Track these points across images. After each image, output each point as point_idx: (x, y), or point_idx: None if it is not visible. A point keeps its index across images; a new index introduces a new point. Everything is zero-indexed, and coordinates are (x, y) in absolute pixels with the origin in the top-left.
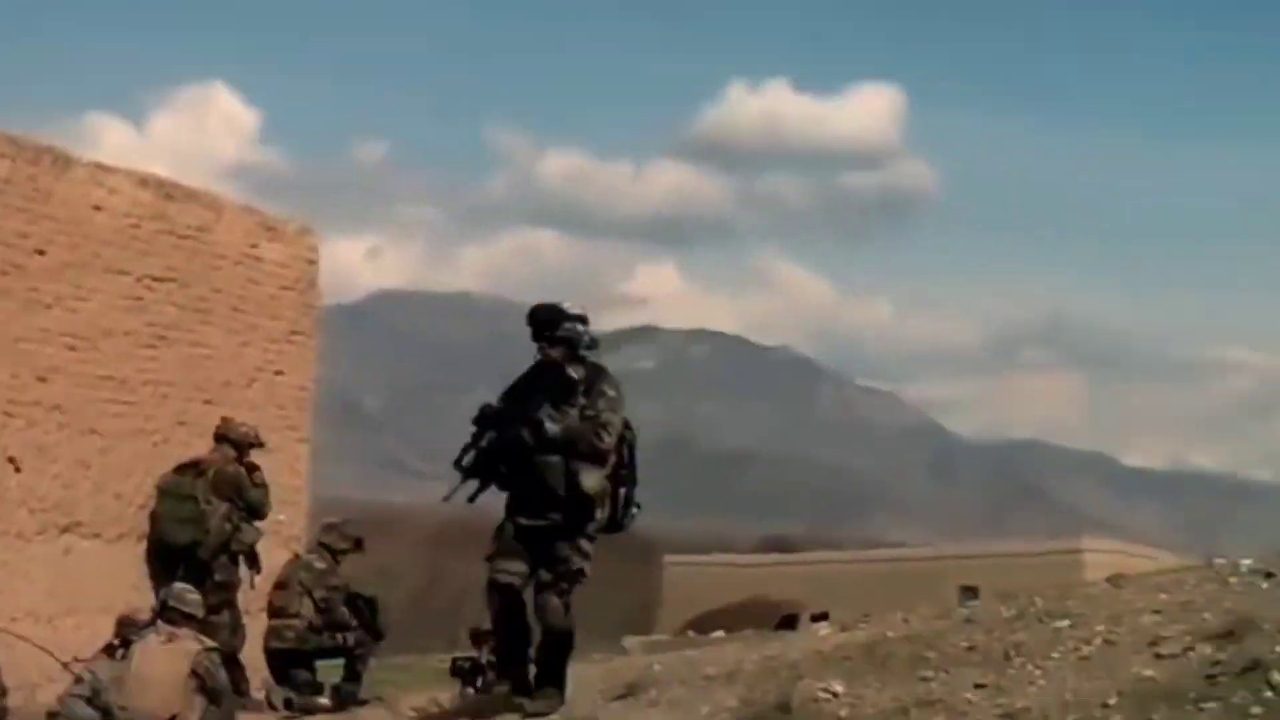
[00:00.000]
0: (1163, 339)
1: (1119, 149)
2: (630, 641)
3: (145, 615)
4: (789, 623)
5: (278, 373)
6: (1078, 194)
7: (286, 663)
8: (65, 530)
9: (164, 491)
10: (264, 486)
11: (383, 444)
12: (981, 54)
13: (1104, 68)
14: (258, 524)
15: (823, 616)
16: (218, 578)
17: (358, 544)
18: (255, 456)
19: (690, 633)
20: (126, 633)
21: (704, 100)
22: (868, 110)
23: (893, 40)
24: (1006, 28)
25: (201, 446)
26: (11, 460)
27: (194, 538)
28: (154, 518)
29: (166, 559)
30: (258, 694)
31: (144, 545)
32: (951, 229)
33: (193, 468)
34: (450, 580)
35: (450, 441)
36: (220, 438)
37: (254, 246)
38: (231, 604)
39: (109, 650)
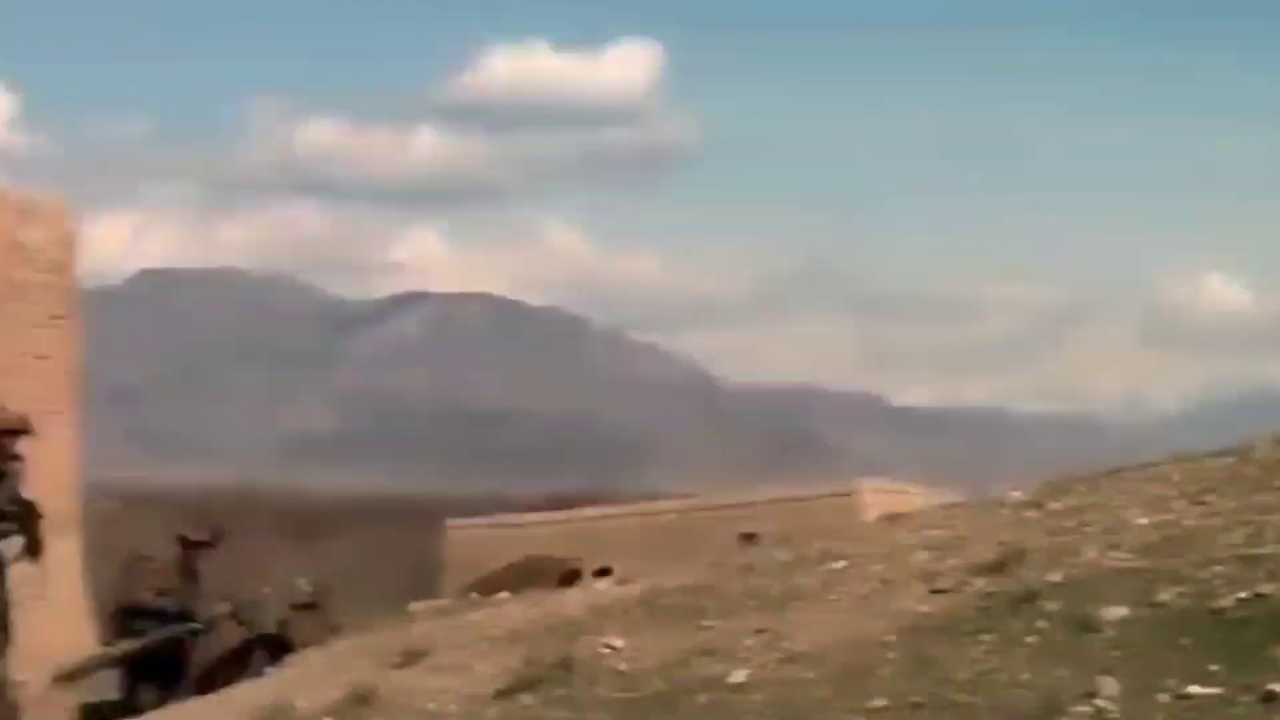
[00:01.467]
0: (929, 278)
1: (874, 90)
2: (416, 607)
3: None
4: (571, 579)
5: (40, 357)
6: (836, 140)
7: None
8: None
9: None
10: (12, 477)
11: (151, 423)
12: (739, 10)
13: (856, 6)
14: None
15: (605, 572)
16: None
17: None
18: (24, 441)
19: (474, 595)
20: None
21: (463, 63)
22: (627, 66)
23: None
24: None
25: None
26: None
27: None
28: None
29: None
30: None
31: None
32: (715, 181)
33: None
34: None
35: (220, 418)
36: None
37: (12, 232)
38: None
39: None
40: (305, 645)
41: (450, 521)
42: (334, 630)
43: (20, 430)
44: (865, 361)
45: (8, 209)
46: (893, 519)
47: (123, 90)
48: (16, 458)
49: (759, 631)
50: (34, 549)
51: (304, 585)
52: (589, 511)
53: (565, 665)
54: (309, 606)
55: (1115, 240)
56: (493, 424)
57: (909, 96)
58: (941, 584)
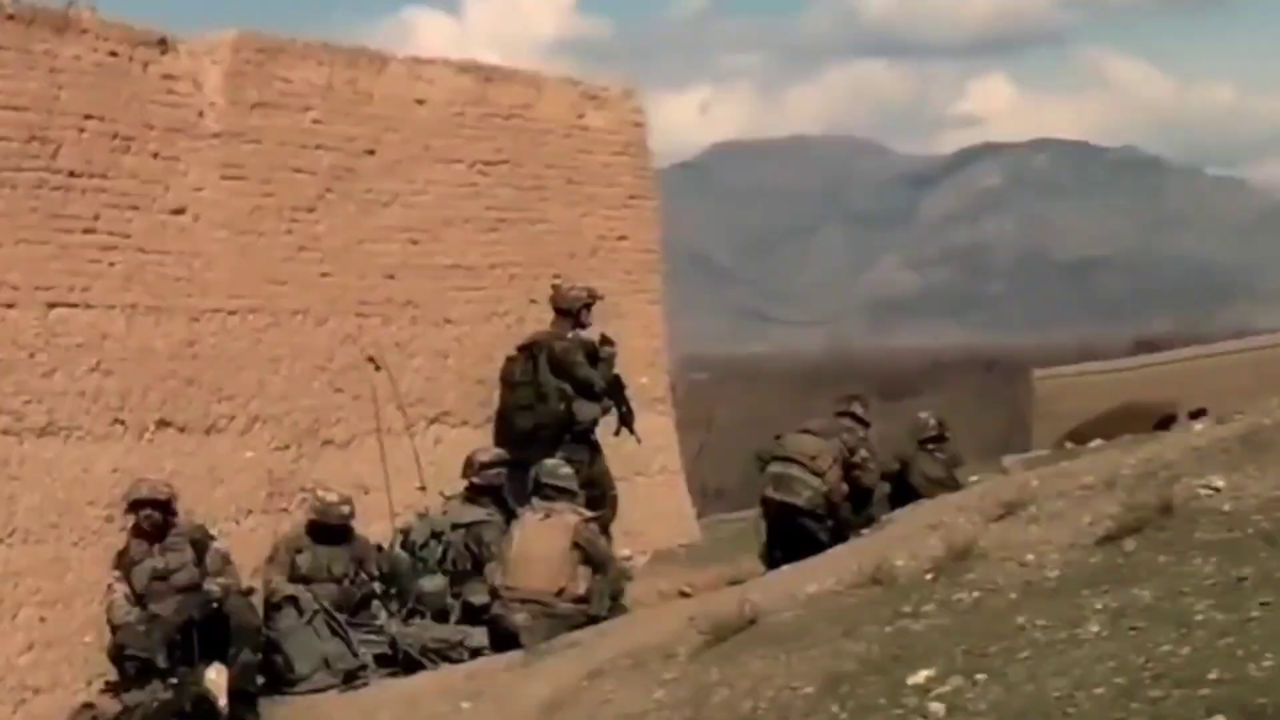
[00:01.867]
0: None
1: None
2: (1009, 460)
3: (486, 455)
4: (1166, 424)
5: (620, 239)
6: None
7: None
8: (434, 421)
9: (502, 380)
10: (606, 360)
11: (736, 295)
12: None
13: None
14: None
15: (1200, 413)
16: (573, 458)
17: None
18: (612, 322)
19: (1067, 445)
20: (469, 474)
21: None
22: None
23: None
24: None
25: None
26: (371, 360)
27: (534, 422)
28: (501, 404)
29: (514, 444)
30: (641, 557)
31: None
32: None
33: (527, 350)
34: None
35: (803, 286)
36: (555, 307)
37: (580, 117)
38: (590, 481)
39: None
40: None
41: (1038, 371)
42: (958, 463)
43: (587, 304)
44: None
45: (574, 96)
46: None
47: None
48: (607, 341)
49: None
50: (627, 422)
51: (928, 419)
52: (1181, 353)
53: (1165, 509)
54: (936, 440)
55: None
56: (1075, 271)
57: None
58: None
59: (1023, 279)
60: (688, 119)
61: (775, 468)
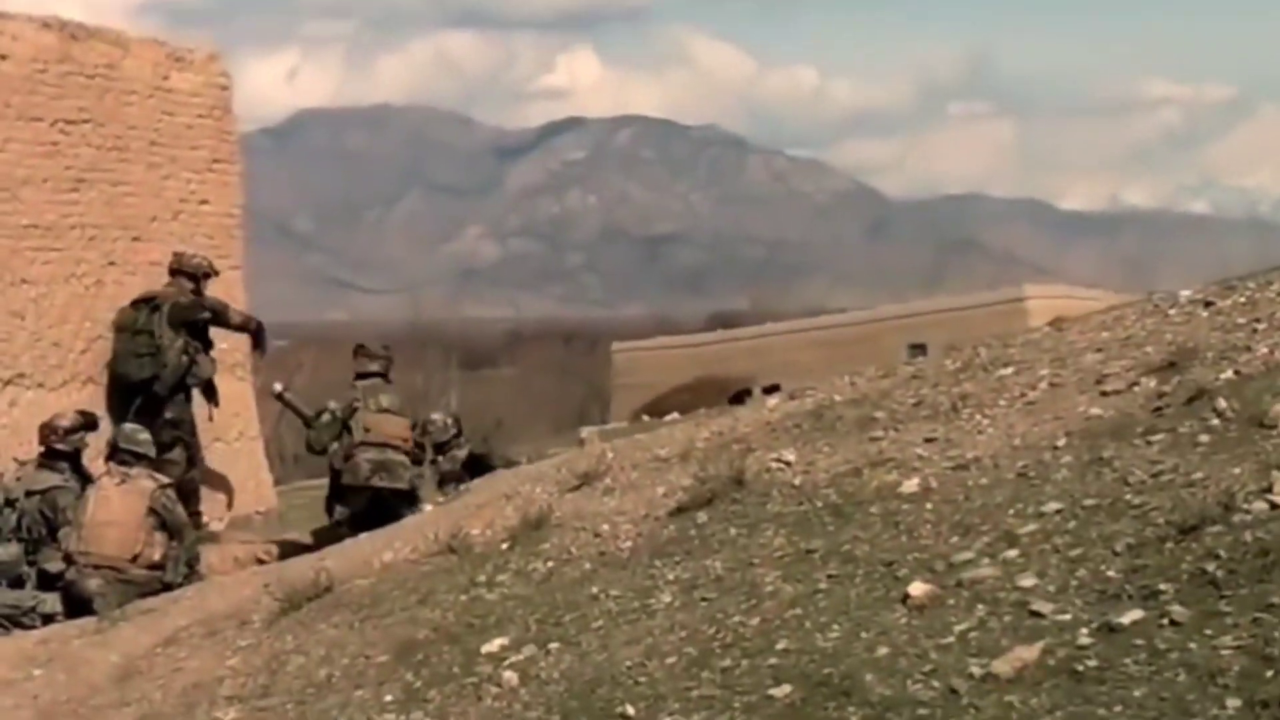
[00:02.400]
0: (1087, 78)
1: None
2: (587, 431)
3: (67, 420)
4: (741, 398)
5: (202, 202)
6: None
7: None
8: (8, 383)
9: (120, 327)
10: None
11: (318, 262)
12: None
13: None
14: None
15: (774, 388)
16: (169, 414)
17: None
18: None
19: (645, 417)
20: (50, 440)
21: None
22: None
23: None
24: None
25: (134, 284)
26: None
27: (152, 372)
28: (113, 354)
29: (124, 394)
30: (218, 524)
31: (88, 390)
32: None
33: (147, 302)
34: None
35: (385, 254)
36: (174, 271)
37: (165, 79)
38: (185, 440)
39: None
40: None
41: (616, 345)
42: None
43: (207, 274)
44: (1027, 165)
45: (160, 56)
46: (1060, 323)
47: None
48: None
49: (929, 440)
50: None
51: (443, 420)
52: (755, 329)
53: (737, 481)
54: (454, 440)
55: (1277, 32)
56: (654, 246)
57: None
58: (1112, 385)
59: (603, 252)
60: (275, 85)
61: (371, 454)
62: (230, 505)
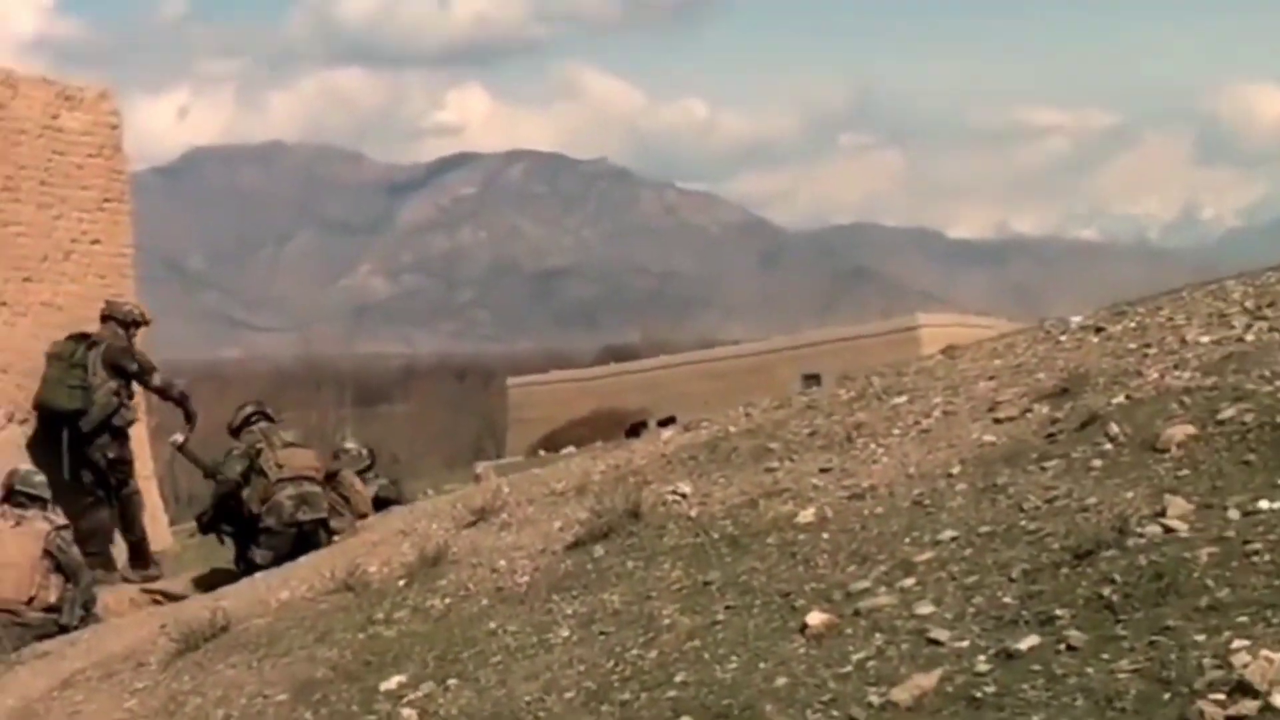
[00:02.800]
0: (973, 106)
1: None
2: (481, 466)
3: None
4: (636, 431)
5: (94, 242)
6: None
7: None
8: None
9: (53, 356)
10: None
11: (209, 300)
12: None
13: None
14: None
15: (669, 421)
16: (110, 455)
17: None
18: (83, 327)
19: (541, 452)
20: None
21: None
22: None
23: None
24: None
25: (24, 325)
26: None
27: (81, 405)
28: (42, 382)
29: (49, 425)
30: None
31: None
32: (758, 21)
33: (84, 338)
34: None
35: (276, 291)
36: (106, 317)
37: (54, 118)
38: (124, 480)
39: None
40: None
41: (511, 380)
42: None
43: (138, 322)
44: (917, 195)
45: (49, 95)
46: (952, 350)
47: None
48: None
49: (824, 470)
50: None
51: (358, 450)
52: (649, 362)
53: (634, 514)
54: (370, 468)
55: (1163, 60)
56: (545, 280)
57: None
58: (1005, 412)
59: (494, 288)
60: (165, 123)
61: (292, 489)
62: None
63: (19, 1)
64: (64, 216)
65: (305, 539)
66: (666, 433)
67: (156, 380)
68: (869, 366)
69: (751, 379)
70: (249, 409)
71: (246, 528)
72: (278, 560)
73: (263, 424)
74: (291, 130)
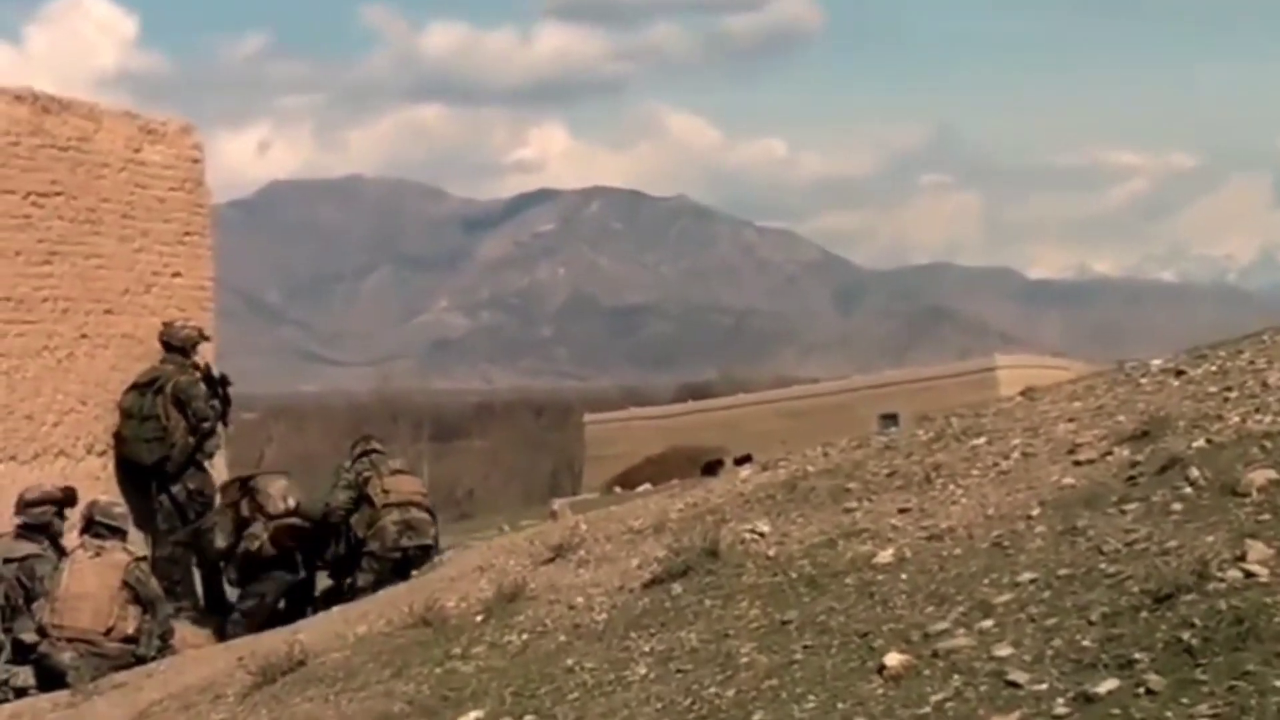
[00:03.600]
0: (1054, 148)
1: None
2: (559, 503)
3: (33, 493)
4: (713, 469)
5: (175, 275)
6: (957, 14)
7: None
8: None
9: (126, 414)
10: (215, 390)
11: (287, 335)
12: None
13: None
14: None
15: (746, 459)
16: (191, 487)
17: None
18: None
19: (617, 489)
20: (25, 514)
21: None
22: None
23: None
24: None
25: (105, 358)
26: None
27: (161, 455)
28: (119, 439)
29: (136, 476)
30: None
31: (60, 463)
32: (837, 62)
33: (150, 385)
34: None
35: (353, 326)
36: (166, 345)
37: (136, 151)
38: (204, 508)
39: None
40: None
41: (588, 416)
42: None
43: (197, 343)
44: (995, 235)
45: (132, 129)
46: (1031, 392)
47: (238, 7)
48: (227, 380)
49: (903, 511)
50: None
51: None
52: (726, 400)
53: (712, 552)
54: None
55: (1244, 101)
56: (623, 317)
57: None
58: (1085, 455)
59: (572, 324)
60: (245, 157)
61: (397, 514)
62: None
63: (101, 35)
64: (145, 250)
65: (409, 564)
66: (744, 471)
67: (211, 423)
68: (947, 407)
69: (829, 418)
70: (362, 444)
71: (350, 552)
72: (378, 585)
73: (371, 457)
74: (371, 165)
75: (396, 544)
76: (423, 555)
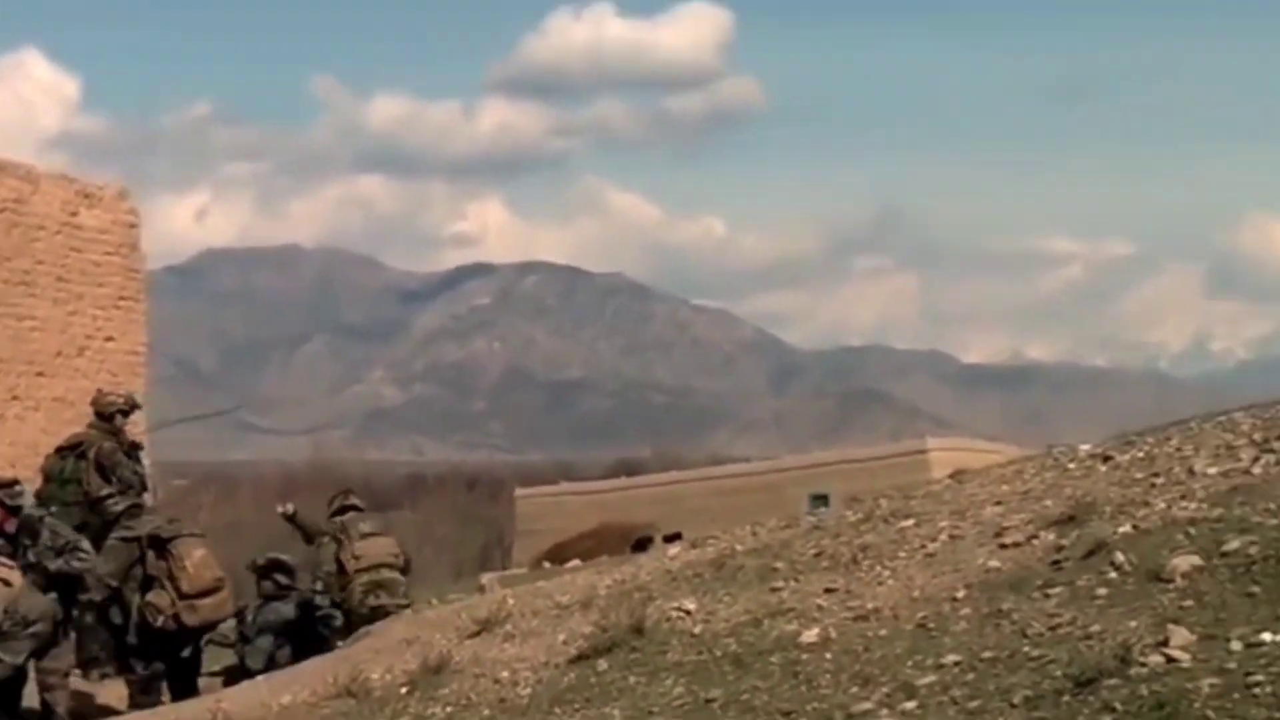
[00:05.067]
0: (991, 233)
1: (936, 50)
2: (487, 578)
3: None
4: (643, 545)
5: (108, 339)
6: (899, 99)
7: None
8: None
9: (48, 477)
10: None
11: (219, 402)
12: None
13: None
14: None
15: (676, 537)
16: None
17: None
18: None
19: (546, 564)
20: None
21: (525, 32)
22: (692, 31)
23: None
24: None
25: (33, 420)
26: None
27: (83, 519)
28: (40, 500)
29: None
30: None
31: None
32: (779, 143)
33: (73, 450)
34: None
35: (287, 394)
36: (97, 411)
37: (73, 215)
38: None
39: None
40: None
41: (519, 491)
42: None
43: (125, 411)
44: (930, 318)
45: (69, 193)
46: (961, 475)
47: (184, 72)
48: (137, 446)
49: (829, 590)
50: None
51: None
52: (659, 477)
53: (637, 630)
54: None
55: (1177, 191)
56: (558, 392)
57: (969, 48)
58: (1011, 538)
59: (506, 398)
60: (183, 223)
61: (370, 576)
62: None
63: (44, 97)
64: (79, 313)
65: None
66: (673, 549)
67: (123, 471)
68: (878, 489)
69: (760, 497)
70: (339, 500)
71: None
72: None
73: (346, 516)
74: (309, 235)
75: (363, 604)
76: (389, 613)
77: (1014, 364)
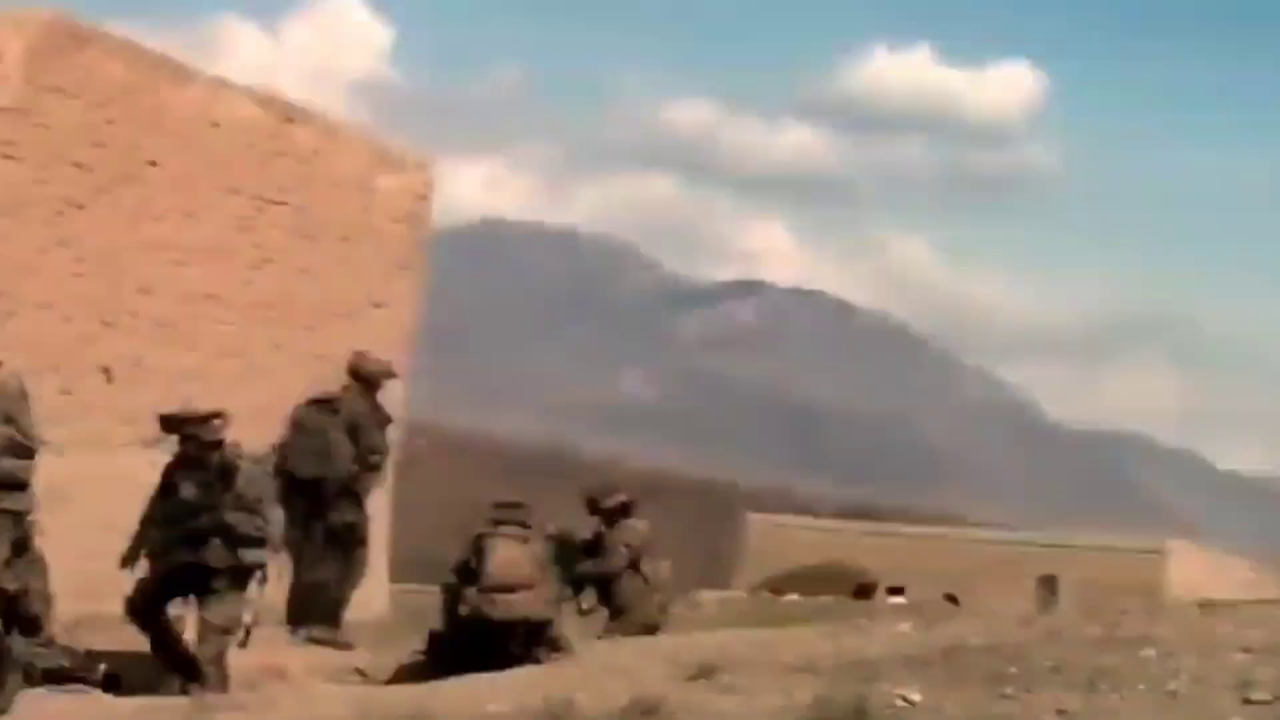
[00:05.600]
0: (1265, 337)
1: (1242, 150)
2: (705, 596)
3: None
4: (864, 592)
5: (377, 305)
6: (1200, 200)
7: None
8: (151, 445)
9: (296, 424)
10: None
11: (468, 370)
12: (1126, 47)
13: (1249, 79)
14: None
15: (899, 591)
16: (347, 519)
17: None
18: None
19: (765, 593)
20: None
21: (842, 57)
22: (1003, 88)
23: (1034, 16)
24: (1158, 27)
25: (292, 373)
26: (105, 370)
27: (319, 473)
28: (283, 448)
29: (290, 489)
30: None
31: None
32: (1069, 216)
33: (327, 404)
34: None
35: (539, 374)
36: (354, 373)
37: (369, 175)
38: (354, 543)
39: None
40: None
41: (752, 515)
42: None
43: (390, 375)
44: (1190, 417)
45: (368, 152)
46: (1210, 608)
47: (493, 42)
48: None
49: (1061, 712)
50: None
51: None
52: (890, 526)
53: (860, 711)
54: None
55: None
56: (808, 421)
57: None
58: (1258, 695)
59: (757, 417)
60: (470, 188)
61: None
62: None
63: (356, 41)
64: (358, 274)
65: None
66: (894, 599)
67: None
68: (1107, 580)
69: (988, 567)
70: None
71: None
72: None
73: (632, 520)
74: (590, 221)
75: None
76: None
77: (1274, 478)
